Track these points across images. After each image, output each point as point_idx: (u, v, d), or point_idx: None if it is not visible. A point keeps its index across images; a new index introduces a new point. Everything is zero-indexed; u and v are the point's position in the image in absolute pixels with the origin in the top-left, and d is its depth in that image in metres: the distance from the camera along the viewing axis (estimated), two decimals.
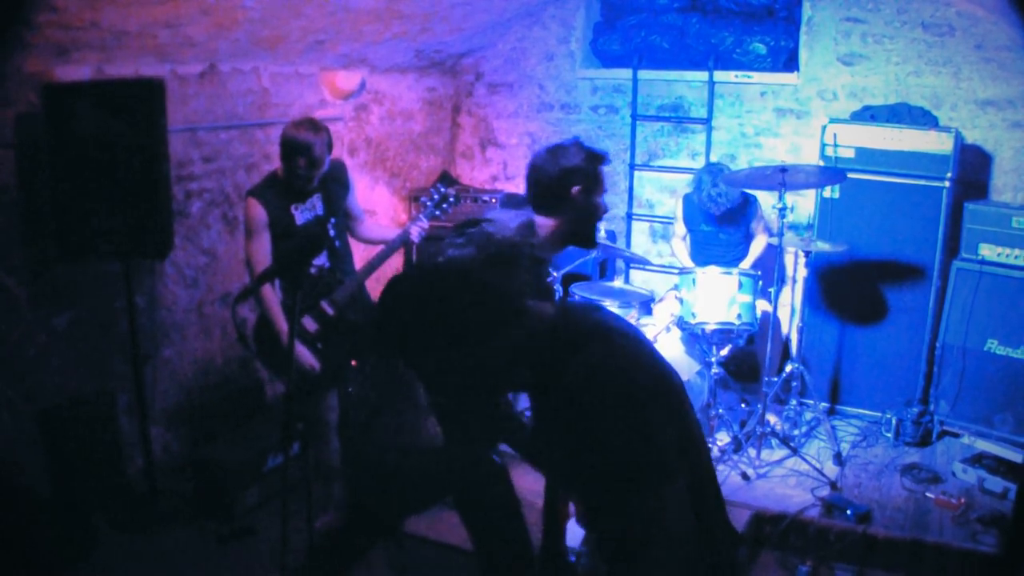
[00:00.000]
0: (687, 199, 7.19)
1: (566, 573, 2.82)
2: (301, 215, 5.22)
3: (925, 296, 6.72)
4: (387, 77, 7.98)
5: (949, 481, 5.97)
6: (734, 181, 6.58)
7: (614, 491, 2.27)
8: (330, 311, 5.25)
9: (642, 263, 8.07)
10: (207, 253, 6.14)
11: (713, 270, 6.18)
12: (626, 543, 2.26)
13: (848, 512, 5.48)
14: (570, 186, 3.66)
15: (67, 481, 5.18)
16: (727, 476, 5.94)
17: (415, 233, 5.40)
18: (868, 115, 7.09)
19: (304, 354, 5.10)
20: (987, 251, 6.37)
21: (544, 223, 3.73)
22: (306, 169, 5.09)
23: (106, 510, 5.34)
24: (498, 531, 3.87)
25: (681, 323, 6.30)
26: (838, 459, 6.23)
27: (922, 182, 6.59)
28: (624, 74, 8.30)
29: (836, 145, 6.83)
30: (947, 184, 6.53)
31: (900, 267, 6.76)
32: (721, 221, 6.98)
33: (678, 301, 6.35)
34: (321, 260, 5.27)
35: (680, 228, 7.30)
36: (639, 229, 8.51)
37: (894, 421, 6.62)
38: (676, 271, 6.77)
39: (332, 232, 5.35)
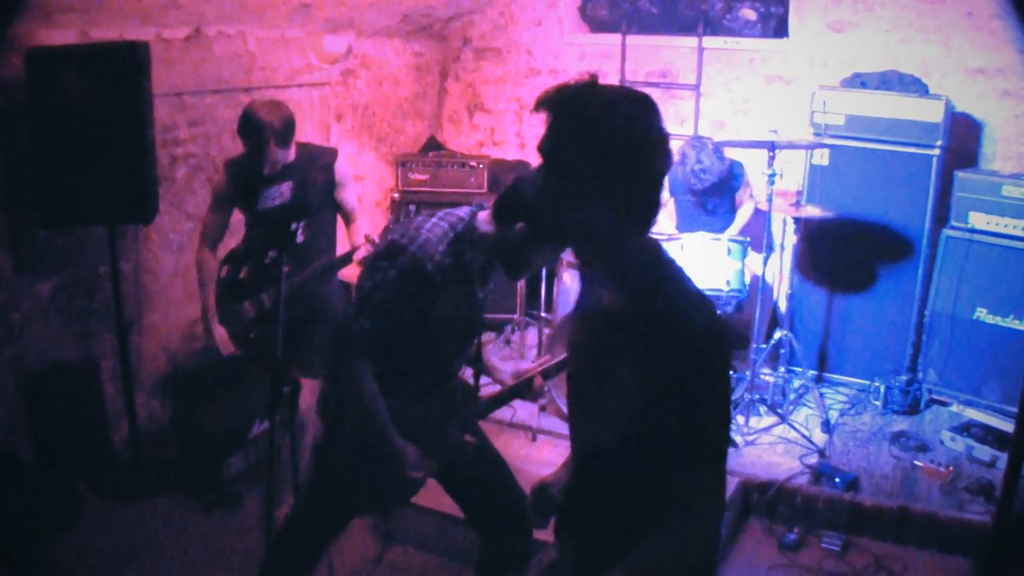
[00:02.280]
0: (672, 168, 7.13)
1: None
2: (263, 200, 5.03)
3: (914, 264, 6.70)
4: (374, 41, 7.92)
5: (937, 449, 5.97)
6: (719, 149, 6.56)
7: (669, 455, 2.19)
8: (267, 304, 5.04)
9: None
10: (192, 218, 6.08)
11: (701, 236, 6.15)
12: (663, 519, 2.21)
13: (836, 480, 5.48)
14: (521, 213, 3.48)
15: (51, 448, 5.15)
16: None
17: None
18: (858, 82, 7.05)
19: (219, 336, 5.01)
20: (977, 219, 6.34)
21: (486, 227, 3.62)
22: (254, 152, 4.92)
23: (90, 477, 5.32)
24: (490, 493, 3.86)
25: None
26: (826, 427, 6.23)
27: (912, 150, 6.56)
28: (613, 39, 8.24)
29: (825, 112, 6.79)
30: (937, 152, 6.50)
31: (889, 235, 6.73)
32: (706, 192, 6.94)
33: None
34: (274, 252, 4.93)
35: (666, 197, 7.26)
36: None
37: (882, 389, 6.62)
38: (664, 238, 6.73)
39: (294, 225, 4.83)
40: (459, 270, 3.48)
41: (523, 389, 3.75)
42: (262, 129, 4.85)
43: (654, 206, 2.27)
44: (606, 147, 2.17)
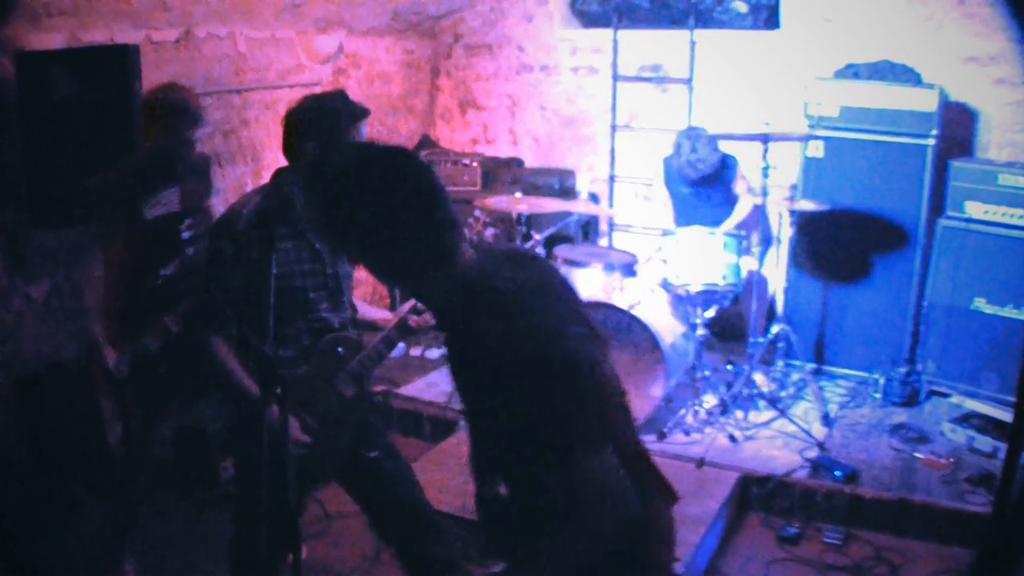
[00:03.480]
0: (667, 162, 7.14)
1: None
2: (152, 209, 4.43)
3: (911, 255, 6.68)
4: (364, 40, 7.89)
5: (937, 441, 5.95)
6: (713, 140, 6.56)
7: (525, 461, 2.27)
8: (173, 328, 4.51)
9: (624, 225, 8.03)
10: None
11: (697, 230, 6.13)
12: (540, 515, 2.25)
13: (836, 473, 5.46)
14: (306, 138, 3.62)
15: (45, 449, 5.13)
16: (714, 438, 5.90)
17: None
18: (851, 73, 7.04)
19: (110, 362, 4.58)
20: (973, 209, 6.33)
21: (288, 178, 3.69)
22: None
23: (85, 477, 5.30)
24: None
25: (665, 285, 6.26)
26: (825, 420, 6.21)
27: (906, 140, 6.55)
28: (604, 34, 8.22)
29: (819, 103, 6.78)
30: (932, 141, 6.49)
31: (885, 226, 6.72)
32: (700, 183, 6.93)
33: (662, 262, 6.29)
34: (168, 269, 4.59)
35: (661, 191, 7.25)
36: (622, 191, 8.45)
37: (881, 381, 6.61)
38: (660, 232, 6.71)
39: (185, 235, 4.65)
40: (279, 221, 3.50)
41: (402, 331, 3.85)
42: (188, 103, 4.66)
43: (430, 248, 2.34)
44: (337, 223, 2.34)
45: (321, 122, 3.60)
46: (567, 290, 2.49)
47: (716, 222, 6.70)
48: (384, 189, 2.29)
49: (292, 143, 3.65)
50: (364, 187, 2.29)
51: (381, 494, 3.93)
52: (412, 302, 3.87)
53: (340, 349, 3.75)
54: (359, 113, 3.71)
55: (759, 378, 6.46)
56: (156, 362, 4.53)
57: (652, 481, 2.53)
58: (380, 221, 2.29)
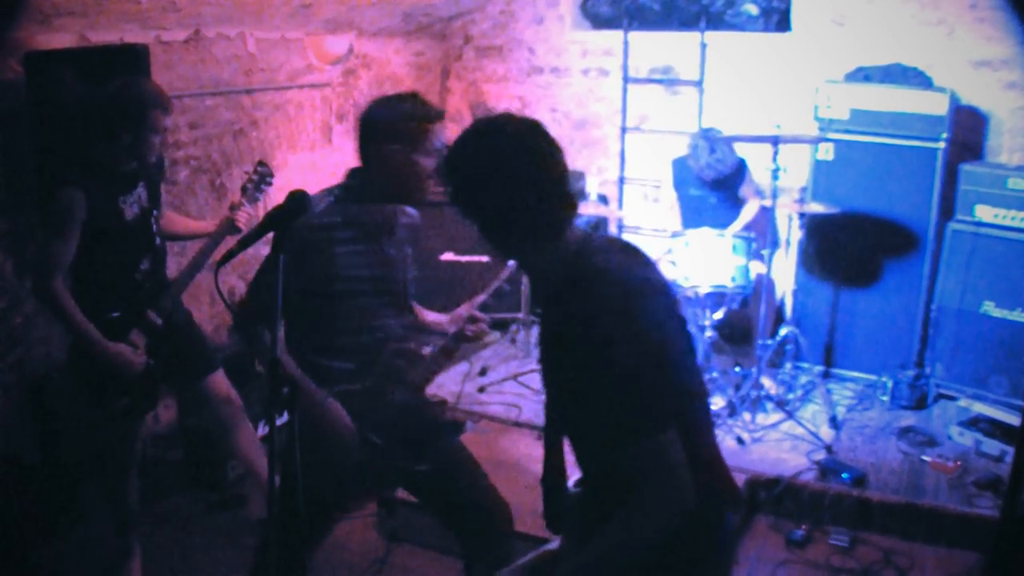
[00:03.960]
0: (677, 163, 7.14)
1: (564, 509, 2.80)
2: (130, 208, 4.36)
3: (920, 258, 6.67)
4: (375, 41, 7.90)
5: (945, 444, 5.94)
6: (731, 150, 6.57)
7: (608, 437, 2.32)
8: (158, 321, 4.46)
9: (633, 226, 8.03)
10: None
11: (706, 232, 6.14)
12: (617, 489, 2.29)
13: (843, 476, 5.46)
14: (382, 141, 3.54)
15: (55, 450, 5.14)
16: (722, 440, 5.87)
17: (243, 220, 4.67)
18: (862, 76, 7.04)
19: (122, 351, 4.31)
20: (983, 213, 6.31)
21: (359, 181, 3.63)
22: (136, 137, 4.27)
23: (95, 479, 5.30)
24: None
25: (674, 286, 6.26)
26: (833, 423, 6.20)
27: (917, 143, 6.54)
28: (615, 36, 8.21)
29: (830, 106, 6.77)
30: (942, 145, 6.47)
31: (895, 229, 6.71)
32: (713, 185, 6.93)
33: (671, 264, 6.29)
34: (145, 263, 4.49)
35: (669, 193, 7.25)
36: (631, 193, 8.44)
37: (889, 384, 6.60)
38: (669, 234, 6.71)
39: (154, 227, 4.55)
40: (347, 227, 3.50)
41: (459, 340, 3.80)
42: (167, 101, 4.39)
43: (545, 219, 2.49)
44: (468, 182, 2.52)
45: (391, 126, 3.54)
46: (665, 286, 2.56)
47: (723, 225, 6.69)
48: (515, 159, 2.44)
49: (360, 145, 3.62)
50: (500, 154, 2.45)
51: (440, 500, 3.87)
52: (468, 307, 3.85)
53: (401, 361, 3.69)
54: (433, 116, 3.65)
55: (767, 381, 6.46)
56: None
57: (720, 485, 2.57)
58: (507, 188, 2.43)
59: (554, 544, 2.74)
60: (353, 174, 3.66)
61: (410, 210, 3.78)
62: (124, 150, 4.25)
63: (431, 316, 4.01)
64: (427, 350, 3.80)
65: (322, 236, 3.45)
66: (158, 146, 4.38)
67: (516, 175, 2.42)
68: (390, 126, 3.51)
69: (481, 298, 3.86)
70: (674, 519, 2.27)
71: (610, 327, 2.29)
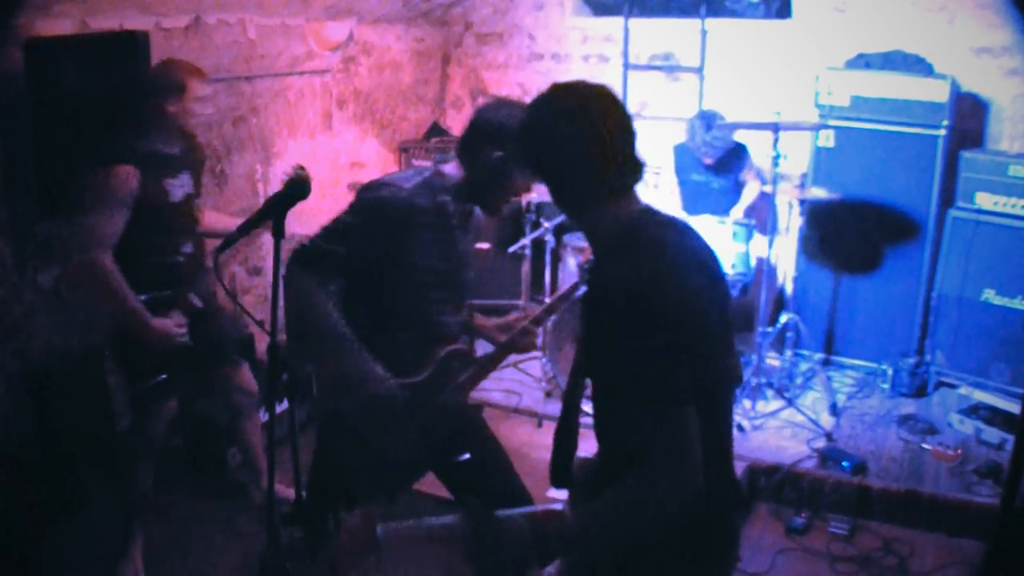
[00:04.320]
0: (678, 149, 7.14)
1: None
2: (176, 191, 4.51)
3: (920, 246, 6.67)
4: (375, 28, 7.88)
5: (945, 432, 5.95)
6: (728, 127, 6.55)
7: (629, 403, 2.30)
8: (198, 303, 4.61)
9: None
10: None
11: (706, 219, 6.13)
12: (633, 459, 2.28)
13: (843, 463, 5.46)
14: (488, 144, 3.47)
15: (57, 440, 5.13)
16: None
17: None
18: (862, 63, 7.02)
19: (166, 325, 4.42)
20: (983, 200, 6.31)
21: (452, 172, 3.58)
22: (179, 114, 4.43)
23: (97, 469, 5.31)
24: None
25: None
26: (833, 410, 6.21)
27: (917, 130, 6.53)
28: (615, 22, 8.19)
29: (830, 93, 6.76)
30: (943, 132, 6.47)
31: (895, 216, 6.71)
32: (714, 170, 6.93)
33: None
34: (188, 247, 4.62)
35: (670, 179, 7.25)
36: None
37: (890, 372, 6.60)
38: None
39: (196, 213, 4.73)
40: (433, 214, 3.47)
41: (516, 341, 3.78)
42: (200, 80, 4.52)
43: (610, 181, 2.47)
44: (536, 138, 2.51)
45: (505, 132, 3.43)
46: (717, 275, 2.59)
47: (725, 209, 6.69)
48: (586, 120, 2.43)
49: (465, 139, 3.57)
50: (571, 113, 2.44)
51: (475, 491, 3.86)
52: (522, 319, 3.83)
53: (456, 363, 3.67)
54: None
55: (768, 367, 6.46)
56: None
57: (726, 478, 2.59)
58: (577, 145, 2.43)
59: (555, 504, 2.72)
60: (443, 162, 3.63)
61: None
62: (167, 130, 4.42)
63: (480, 319, 3.98)
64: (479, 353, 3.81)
65: (408, 214, 3.40)
66: (202, 117, 4.53)
67: (585, 133, 2.43)
68: (503, 132, 3.41)
69: (538, 312, 3.84)
70: (683, 497, 2.26)
71: (649, 297, 2.29)
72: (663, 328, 2.28)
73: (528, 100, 2.58)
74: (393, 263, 3.44)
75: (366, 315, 3.51)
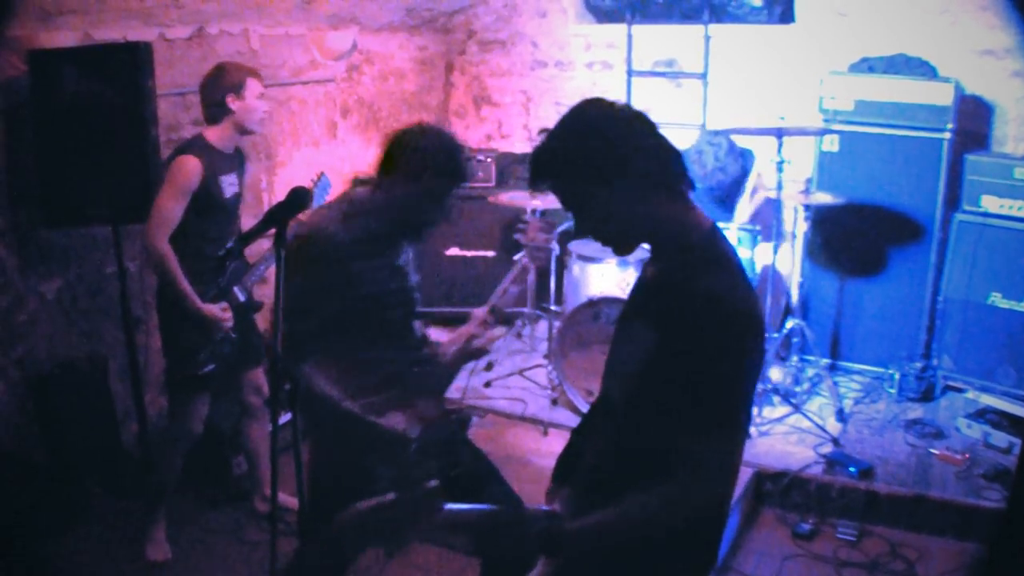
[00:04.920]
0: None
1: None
2: (228, 188, 4.84)
3: (926, 249, 6.65)
4: (378, 37, 7.89)
5: (952, 436, 5.93)
6: (736, 150, 6.57)
7: (686, 415, 2.29)
8: (241, 297, 4.93)
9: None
10: None
11: None
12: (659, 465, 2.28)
13: (850, 468, 5.45)
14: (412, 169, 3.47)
15: (60, 447, 5.15)
16: None
17: None
18: (866, 67, 7.01)
19: (215, 311, 4.72)
20: (989, 203, 6.29)
21: (366, 195, 3.59)
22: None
23: (101, 476, 5.32)
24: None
25: None
26: (840, 415, 6.19)
27: (922, 134, 6.52)
28: (618, 29, 8.18)
29: (834, 97, 6.75)
30: (947, 135, 6.45)
31: (901, 220, 6.69)
32: (719, 191, 6.94)
33: None
34: (232, 243, 4.92)
35: None
36: None
37: (896, 376, 6.58)
38: None
39: (240, 212, 5.10)
40: (366, 242, 3.48)
41: (466, 350, 3.79)
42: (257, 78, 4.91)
43: (664, 181, 2.43)
44: (580, 157, 2.38)
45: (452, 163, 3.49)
46: (762, 325, 2.48)
47: (722, 218, 6.68)
48: (634, 133, 2.41)
49: (408, 166, 3.51)
50: (621, 128, 2.41)
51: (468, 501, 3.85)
52: (471, 326, 3.81)
53: (422, 370, 3.69)
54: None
55: (774, 373, 6.45)
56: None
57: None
58: (635, 133, 2.42)
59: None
60: (360, 185, 3.67)
61: None
62: (227, 127, 4.77)
63: (434, 346, 3.95)
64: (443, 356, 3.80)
65: (343, 253, 3.42)
66: (260, 113, 4.85)
67: (640, 125, 2.44)
68: (427, 158, 3.44)
69: (483, 315, 3.83)
70: (711, 505, 2.37)
71: (742, 319, 2.30)
72: (746, 351, 2.32)
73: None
74: (348, 300, 3.45)
75: (345, 352, 3.50)
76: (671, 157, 2.43)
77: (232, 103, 4.70)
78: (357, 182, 3.71)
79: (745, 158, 6.96)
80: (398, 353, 3.63)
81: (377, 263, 3.53)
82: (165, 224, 4.55)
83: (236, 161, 4.95)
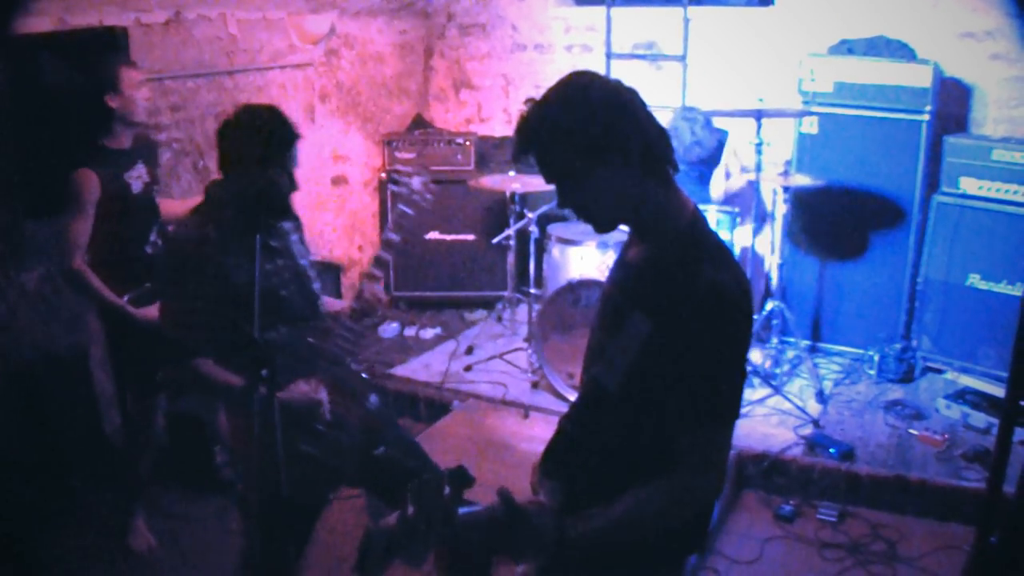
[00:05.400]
0: None
1: None
2: (135, 183, 4.63)
3: (906, 231, 6.67)
4: (357, 20, 7.86)
5: (932, 417, 5.96)
6: (711, 124, 6.55)
7: (683, 409, 2.26)
8: None
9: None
10: None
11: None
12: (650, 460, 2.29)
13: (831, 450, 5.47)
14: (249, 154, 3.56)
15: (42, 439, 5.12)
16: None
17: None
18: (845, 48, 7.01)
19: (151, 313, 4.51)
20: (968, 185, 6.31)
21: (218, 192, 3.63)
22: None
23: (84, 468, 5.30)
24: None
25: None
26: (820, 397, 6.21)
27: (901, 116, 6.52)
28: (597, 12, 8.14)
29: (813, 79, 6.75)
30: (926, 117, 6.46)
31: (880, 202, 6.70)
32: (698, 163, 6.92)
33: None
34: (154, 236, 4.75)
35: None
36: None
37: (876, 358, 6.60)
38: None
39: (156, 202, 4.84)
40: (229, 234, 3.48)
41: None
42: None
43: (652, 161, 2.36)
44: (572, 135, 2.31)
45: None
46: (751, 312, 2.44)
47: (703, 200, 6.68)
48: (624, 108, 2.37)
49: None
50: (612, 101, 2.36)
51: (392, 482, 3.84)
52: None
53: (312, 337, 3.68)
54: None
55: (754, 355, 6.46)
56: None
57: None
58: (633, 112, 2.37)
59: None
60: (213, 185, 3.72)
61: None
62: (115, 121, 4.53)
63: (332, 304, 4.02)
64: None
65: (211, 249, 3.45)
66: (142, 104, 4.64)
67: (633, 100, 2.39)
68: (262, 134, 3.62)
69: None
70: (708, 501, 2.36)
71: (739, 311, 2.27)
72: (742, 343, 2.32)
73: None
74: (234, 288, 3.43)
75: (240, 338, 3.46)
76: (659, 136, 2.37)
77: (112, 102, 4.52)
78: (211, 184, 3.70)
79: (720, 131, 6.94)
80: (294, 329, 3.64)
81: (245, 247, 3.35)
82: (75, 246, 4.46)
83: (138, 152, 4.74)
